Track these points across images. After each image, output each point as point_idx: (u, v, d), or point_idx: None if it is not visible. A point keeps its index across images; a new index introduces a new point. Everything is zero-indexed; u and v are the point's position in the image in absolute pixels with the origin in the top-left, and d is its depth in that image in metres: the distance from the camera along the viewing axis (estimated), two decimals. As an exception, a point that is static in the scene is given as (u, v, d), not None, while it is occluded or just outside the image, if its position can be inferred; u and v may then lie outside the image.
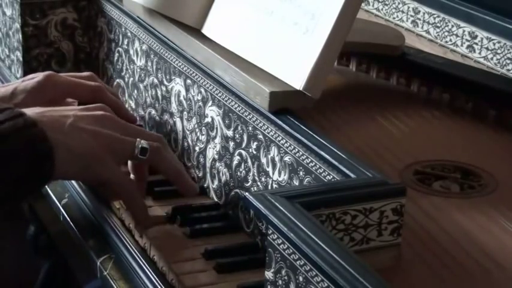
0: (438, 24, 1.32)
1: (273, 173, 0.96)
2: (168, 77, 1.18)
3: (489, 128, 1.10)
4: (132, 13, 1.26)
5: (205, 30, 1.11)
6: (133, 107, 1.29)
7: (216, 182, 1.07)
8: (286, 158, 0.93)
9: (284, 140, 0.93)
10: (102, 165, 0.97)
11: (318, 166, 0.88)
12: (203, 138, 1.10)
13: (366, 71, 1.26)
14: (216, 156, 1.07)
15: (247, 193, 0.79)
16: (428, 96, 1.18)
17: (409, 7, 1.37)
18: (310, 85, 0.94)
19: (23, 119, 0.93)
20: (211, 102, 1.07)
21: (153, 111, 1.23)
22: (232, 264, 0.94)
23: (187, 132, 1.13)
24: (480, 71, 1.21)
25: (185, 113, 1.14)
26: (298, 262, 0.72)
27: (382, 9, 1.43)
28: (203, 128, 1.09)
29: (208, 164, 1.09)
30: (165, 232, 1.02)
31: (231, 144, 1.03)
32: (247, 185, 1.01)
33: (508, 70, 1.20)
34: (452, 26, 1.29)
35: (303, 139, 0.91)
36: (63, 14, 1.40)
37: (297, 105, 0.96)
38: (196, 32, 1.12)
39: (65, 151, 0.94)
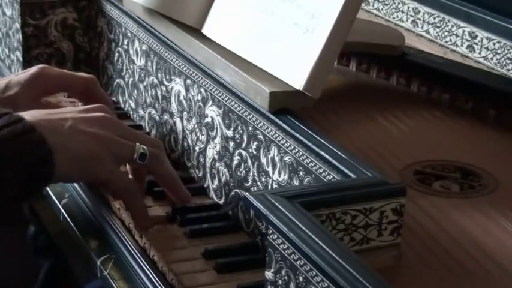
0: (438, 24, 1.32)
1: (273, 173, 0.96)
2: (168, 77, 1.18)
3: (489, 128, 1.10)
4: (132, 13, 1.26)
5: (205, 30, 1.11)
6: (134, 107, 1.29)
7: (216, 182, 1.07)
8: (286, 158, 0.93)
9: (284, 140, 0.93)
10: (101, 167, 0.97)
11: (318, 166, 0.88)
12: (203, 138, 1.10)
13: (366, 71, 1.26)
14: (216, 156, 1.07)
15: (247, 193, 0.79)
16: (428, 96, 1.18)
17: (409, 7, 1.37)
18: (310, 85, 0.94)
19: (21, 124, 0.93)
20: (211, 102, 1.07)
21: (153, 111, 1.23)
22: (232, 264, 0.94)
23: (187, 132, 1.13)
24: (480, 71, 1.21)
25: (185, 113, 1.14)
26: (298, 262, 0.72)
27: (382, 9, 1.43)
28: (203, 128, 1.09)
29: (208, 164, 1.09)
30: (165, 232, 1.02)
31: (231, 144, 1.03)
32: (247, 185, 1.01)
33: (508, 70, 1.20)
34: (452, 26, 1.29)
35: (303, 139, 0.91)
36: (63, 14, 1.40)
37: (297, 105, 0.96)
38: (196, 32, 1.12)
39: (64, 154, 0.94)
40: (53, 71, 1.16)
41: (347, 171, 0.85)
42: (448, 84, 1.16)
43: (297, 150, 0.91)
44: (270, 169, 0.96)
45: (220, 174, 1.06)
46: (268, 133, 0.96)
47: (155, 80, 1.21)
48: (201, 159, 1.10)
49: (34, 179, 0.93)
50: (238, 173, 1.02)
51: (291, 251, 0.72)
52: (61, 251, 1.19)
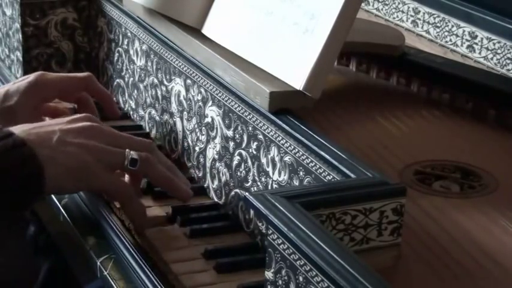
0: (438, 24, 1.32)
1: (273, 173, 0.96)
2: (168, 77, 1.18)
3: (489, 128, 1.10)
4: (132, 13, 1.26)
5: (205, 30, 1.11)
6: (134, 107, 1.29)
7: (216, 182, 1.07)
8: (286, 158, 0.93)
9: (284, 140, 0.93)
10: (93, 176, 0.98)
11: (318, 166, 0.88)
12: (203, 138, 1.10)
13: (366, 71, 1.26)
14: (216, 156, 1.07)
15: (247, 193, 0.79)
16: (428, 96, 1.18)
17: (409, 7, 1.37)
18: (310, 85, 0.94)
19: (12, 139, 0.94)
20: (211, 102, 1.07)
21: (153, 111, 1.23)
22: (232, 264, 0.94)
23: (187, 132, 1.13)
24: (480, 71, 1.21)
25: (185, 113, 1.14)
26: (298, 262, 0.72)
27: (382, 9, 1.43)
28: (203, 128, 1.09)
29: (208, 164, 1.09)
30: (165, 232, 1.02)
31: (231, 144, 1.03)
32: (247, 185, 1.01)
33: (508, 70, 1.20)
34: (452, 26, 1.29)
35: (303, 139, 0.91)
36: (63, 14, 1.40)
37: (297, 105, 0.96)
38: (196, 32, 1.12)
39: (55, 167, 0.95)
40: (50, 76, 1.16)
41: (347, 171, 0.85)
42: (448, 84, 1.16)
43: (297, 150, 0.91)
44: (270, 169, 0.96)
45: (220, 174, 1.06)
46: (268, 133, 0.96)
47: (155, 80, 1.21)
48: (201, 159, 1.10)
49: (25, 194, 0.94)
50: (238, 173, 1.02)
51: (291, 251, 0.72)
52: (61, 251, 1.19)
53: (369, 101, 1.16)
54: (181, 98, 1.14)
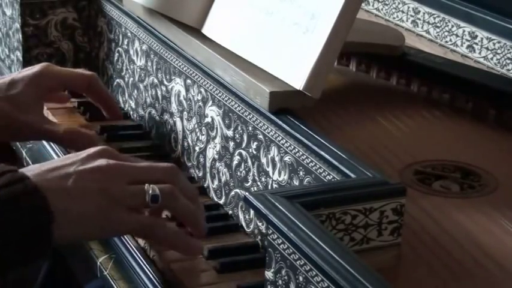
0: (438, 24, 1.32)
1: (273, 173, 0.96)
2: (168, 77, 1.18)
3: (489, 128, 1.10)
4: (132, 13, 1.26)
5: (205, 30, 1.11)
6: (134, 107, 1.29)
7: (216, 182, 1.07)
8: (286, 158, 0.93)
9: (284, 140, 0.93)
10: (116, 221, 0.90)
11: (318, 166, 0.88)
12: (203, 138, 1.10)
13: (366, 71, 1.26)
14: (216, 156, 1.07)
15: (247, 193, 0.79)
16: (428, 96, 1.18)
17: (409, 7, 1.37)
18: (310, 85, 0.94)
19: (23, 184, 0.86)
20: (211, 102, 1.07)
21: (153, 111, 1.23)
22: (232, 264, 0.94)
23: (187, 132, 1.13)
24: (480, 71, 1.21)
25: (185, 113, 1.14)
26: (298, 262, 0.72)
27: (382, 9, 1.43)
28: (203, 128, 1.09)
29: (208, 164, 1.09)
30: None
31: (231, 144, 1.03)
32: (247, 185, 1.01)
33: (508, 70, 1.20)
34: (452, 26, 1.29)
35: (303, 139, 0.91)
36: (63, 14, 1.40)
37: (297, 105, 0.96)
38: (196, 32, 1.12)
39: (70, 216, 0.87)
40: (56, 68, 1.17)
41: (347, 171, 0.85)
42: (448, 84, 1.16)
43: (297, 150, 0.91)
44: (270, 169, 0.96)
45: (220, 174, 1.06)
46: (268, 133, 0.96)
47: (155, 80, 1.21)
48: (201, 159, 1.10)
49: (31, 246, 0.86)
50: (238, 173, 1.02)
51: (291, 251, 0.72)
52: (61, 251, 1.19)
53: (369, 101, 1.16)
54: (181, 98, 1.14)
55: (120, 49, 1.32)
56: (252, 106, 0.99)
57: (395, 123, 1.09)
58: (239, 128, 1.02)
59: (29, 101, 1.12)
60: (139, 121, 1.27)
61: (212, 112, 1.07)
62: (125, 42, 1.30)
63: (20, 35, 1.38)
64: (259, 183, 0.99)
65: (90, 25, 1.41)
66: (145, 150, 1.19)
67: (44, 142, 1.24)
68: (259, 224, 0.98)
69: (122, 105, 1.33)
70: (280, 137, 0.94)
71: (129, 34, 1.29)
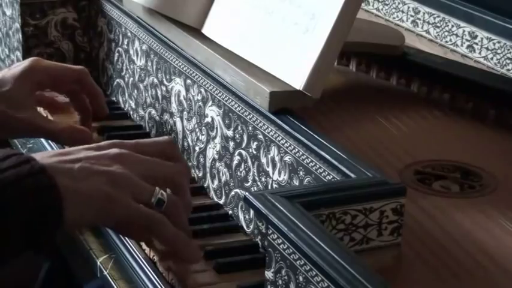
0: (438, 24, 1.32)
1: (273, 173, 0.96)
2: (168, 77, 1.18)
3: (489, 128, 1.10)
4: (132, 13, 1.26)
5: (205, 30, 1.11)
6: (134, 107, 1.29)
7: (216, 182, 1.07)
8: (286, 158, 0.93)
9: (284, 140, 0.93)
10: (120, 207, 0.89)
11: (318, 166, 0.88)
12: (203, 138, 1.10)
13: (366, 71, 1.26)
14: (216, 156, 1.07)
15: (247, 193, 0.79)
16: (428, 96, 1.18)
17: (409, 7, 1.37)
18: (310, 85, 0.94)
19: (29, 165, 0.84)
20: (211, 102, 1.07)
21: (153, 111, 1.23)
22: (232, 264, 0.94)
23: (187, 132, 1.13)
24: (480, 71, 1.21)
25: (185, 113, 1.14)
26: (298, 262, 0.72)
27: (382, 9, 1.43)
28: (203, 128, 1.09)
29: (208, 164, 1.09)
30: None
31: (231, 144, 1.03)
32: (247, 185, 1.01)
33: (508, 70, 1.20)
34: (452, 26, 1.29)
35: (303, 139, 0.91)
36: (63, 14, 1.40)
37: (297, 105, 0.96)
38: (196, 32, 1.12)
39: (77, 197, 0.86)
40: (45, 62, 1.16)
41: (347, 171, 0.85)
42: (448, 84, 1.16)
43: (297, 150, 0.91)
44: (270, 169, 0.96)
45: (220, 174, 1.06)
46: (268, 133, 0.96)
47: (155, 80, 1.21)
48: (201, 159, 1.10)
49: (40, 228, 0.84)
50: (238, 173, 1.02)
51: (291, 251, 0.72)
52: (61, 251, 1.19)
53: (369, 101, 1.16)
54: (181, 97, 1.14)
55: (120, 49, 1.32)
56: (252, 106, 0.99)
57: (395, 123, 1.09)
58: (239, 128, 1.02)
59: (20, 97, 1.12)
60: (140, 121, 1.27)
61: (212, 112, 1.07)
62: (125, 42, 1.30)
63: (20, 35, 1.38)
64: (259, 183, 0.99)
65: (90, 25, 1.41)
66: (146, 150, 1.18)
67: (44, 141, 1.24)
68: (259, 224, 0.98)
69: (122, 105, 1.33)
70: (280, 137, 0.94)
71: (129, 34, 1.29)
